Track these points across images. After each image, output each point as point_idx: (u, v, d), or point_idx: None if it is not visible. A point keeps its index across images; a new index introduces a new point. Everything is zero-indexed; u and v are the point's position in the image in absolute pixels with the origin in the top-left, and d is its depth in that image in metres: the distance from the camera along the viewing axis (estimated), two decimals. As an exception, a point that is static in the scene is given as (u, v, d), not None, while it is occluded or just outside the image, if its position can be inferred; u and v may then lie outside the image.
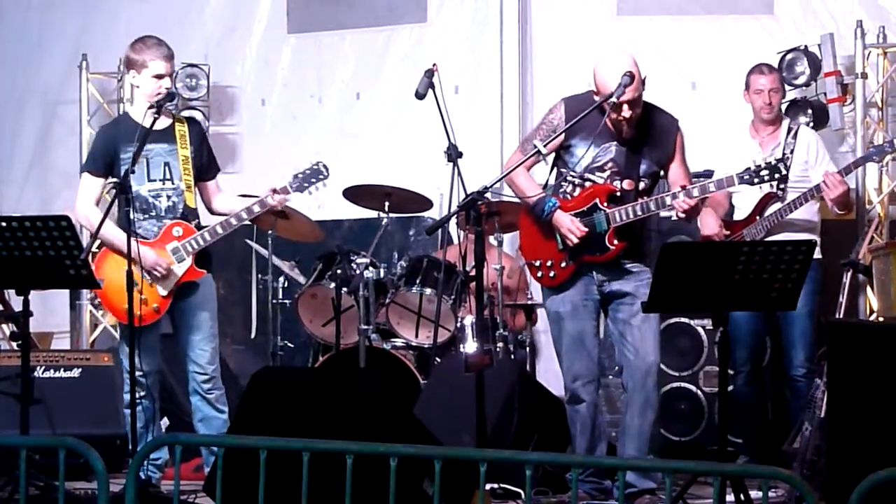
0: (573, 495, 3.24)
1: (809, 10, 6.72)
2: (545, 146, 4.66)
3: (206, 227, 5.01)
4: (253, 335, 6.69)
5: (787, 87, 6.18)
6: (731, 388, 5.62)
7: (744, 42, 6.73)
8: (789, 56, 6.42)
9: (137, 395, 4.90)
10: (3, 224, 4.50)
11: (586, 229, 4.77)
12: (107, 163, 4.97)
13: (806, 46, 6.42)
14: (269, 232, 5.97)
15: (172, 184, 4.98)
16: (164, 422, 5.68)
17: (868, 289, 6.11)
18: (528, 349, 6.23)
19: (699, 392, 6.12)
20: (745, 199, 5.64)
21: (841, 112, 6.39)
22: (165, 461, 5.05)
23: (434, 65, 4.89)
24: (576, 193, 4.85)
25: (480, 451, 3.50)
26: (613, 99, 4.59)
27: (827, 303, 5.51)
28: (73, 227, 4.51)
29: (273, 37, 7.46)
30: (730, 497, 4.06)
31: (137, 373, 4.88)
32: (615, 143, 4.78)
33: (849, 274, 5.32)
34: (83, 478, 4.92)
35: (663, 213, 5.01)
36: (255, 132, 7.47)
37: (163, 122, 5.00)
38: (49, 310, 6.99)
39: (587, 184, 4.83)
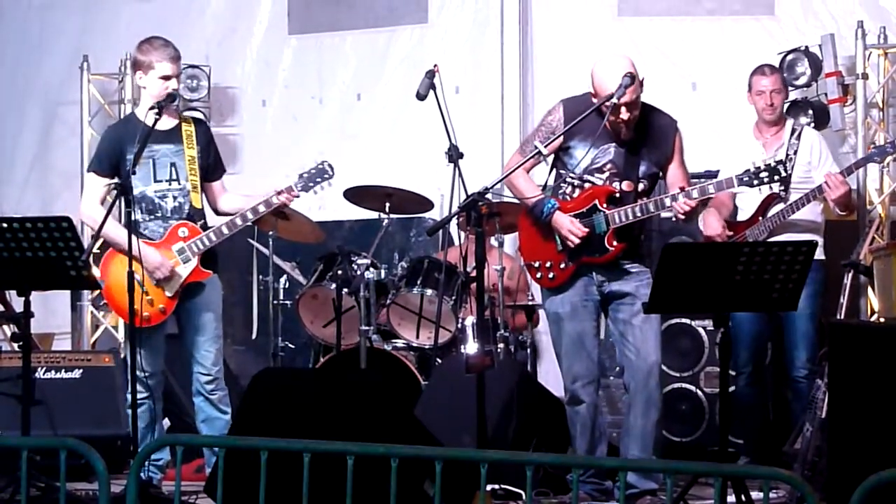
0: (574, 496, 3.24)
1: (810, 11, 6.71)
2: (545, 147, 4.66)
3: (212, 227, 5.01)
4: (254, 336, 6.69)
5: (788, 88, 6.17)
6: (732, 388, 5.62)
7: (744, 43, 6.73)
8: (790, 57, 6.42)
9: (141, 396, 4.91)
10: (4, 225, 4.51)
11: (587, 230, 4.77)
12: (112, 163, 4.96)
13: (807, 47, 6.42)
14: (270, 233, 5.97)
15: (179, 184, 4.98)
16: (165, 422, 5.68)
17: (869, 290, 6.11)
18: (528, 350, 6.23)
19: (700, 393, 6.12)
20: (748, 200, 5.64)
21: (842, 113, 6.39)
22: (167, 462, 5.05)
23: (435, 66, 4.89)
24: (575, 195, 4.85)
25: (481, 452, 3.50)
26: (613, 100, 4.59)
27: (828, 304, 5.50)
28: (74, 228, 4.51)
29: (274, 38, 7.46)
30: (731, 498, 4.06)
31: (143, 374, 4.90)
32: (614, 144, 4.78)
33: (850, 275, 5.32)
34: (84, 479, 4.91)
35: (664, 214, 5.01)
36: (255, 133, 7.47)
37: (169, 123, 5.01)
38: (50, 311, 6.99)
39: (586, 185, 4.83)
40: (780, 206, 5.57)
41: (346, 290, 5.89)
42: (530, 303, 6.30)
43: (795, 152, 5.62)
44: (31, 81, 7.68)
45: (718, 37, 6.85)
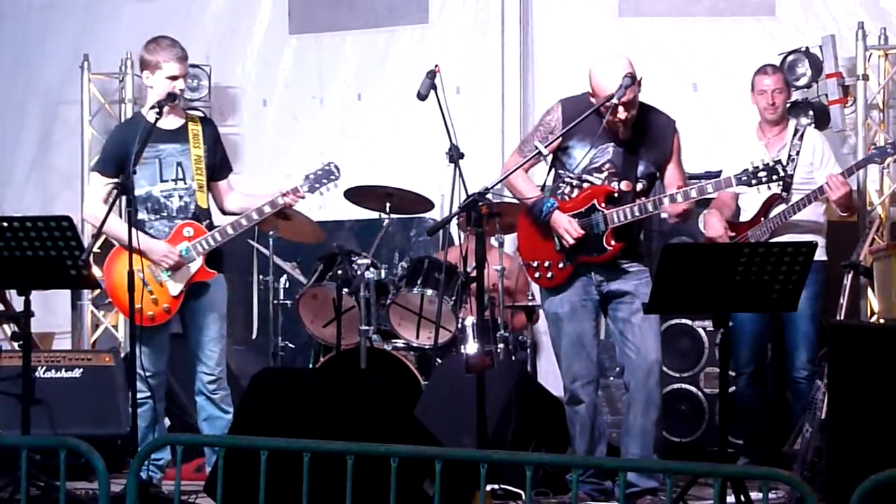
0: (573, 496, 3.24)
1: (811, 12, 6.71)
2: (545, 147, 4.66)
3: (217, 227, 5.02)
4: (254, 335, 6.69)
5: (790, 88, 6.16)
6: (733, 389, 5.62)
7: (745, 43, 6.73)
8: (790, 57, 6.42)
9: (143, 396, 4.91)
10: (5, 224, 4.51)
11: (583, 231, 4.77)
12: (117, 163, 4.95)
13: (807, 48, 6.42)
14: (271, 233, 5.97)
15: (185, 184, 4.98)
16: (166, 422, 5.68)
17: (869, 291, 6.11)
18: (528, 350, 6.23)
19: (700, 393, 6.12)
20: (750, 201, 5.64)
21: (842, 113, 6.39)
22: (167, 462, 5.05)
23: (436, 66, 4.90)
24: (574, 195, 4.86)
25: (481, 452, 3.50)
26: (614, 100, 4.60)
27: (829, 305, 5.50)
28: (74, 228, 4.52)
29: (274, 37, 7.47)
30: (730, 498, 4.06)
31: (146, 373, 4.90)
32: (612, 144, 4.79)
33: (850, 276, 5.32)
34: (84, 478, 4.92)
35: (662, 214, 5.01)
36: (256, 133, 7.47)
37: (175, 122, 5.01)
38: (50, 310, 6.99)
39: (585, 185, 4.84)
40: (782, 206, 5.57)
41: (346, 290, 5.89)
42: (530, 303, 6.30)
43: (798, 153, 5.62)
44: (31, 81, 7.69)
45: (719, 37, 6.85)
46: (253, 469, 3.32)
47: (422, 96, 4.89)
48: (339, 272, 5.88)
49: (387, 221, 6.10)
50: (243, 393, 4.69)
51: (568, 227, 4.78)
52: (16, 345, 5.31)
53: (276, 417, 4.30)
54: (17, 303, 4.98)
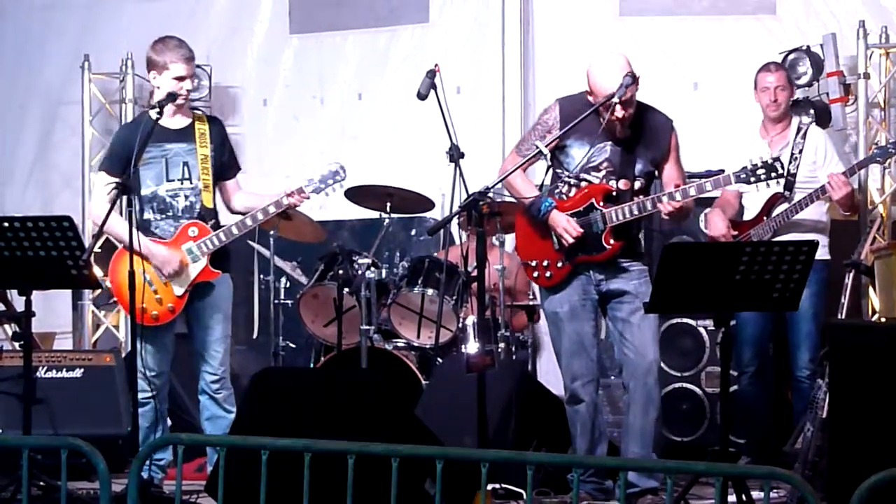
0: (574, 495, 3.24)
1: (812, 11, 6.71)
2: (546, 146, 4.66)
3: (223, 226, 5.01)
4: (255, 335, 6.69)
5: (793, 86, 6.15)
6: (735, 388, 5.62)
7: (746, 42, 6.73)
8: (791, 56, 6.42)
9: (146, 395, 4.91)
10: (6, 224, 4.51)
11: (581, 230, 4.77)
12: (124, 162, 4.93)
13: (808, 46, 6.42)
14: (272, 232, 5.97)
15: (191, 183, 4.98)
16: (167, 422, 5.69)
17: (870, 289, 6.10)
18: (529, 349, 6.23)
19: (701, 392, 6.11)
20: (753, 200, 5.63)
21: (843, 112, 6.38)
22: (169, 462, 5.04)
23: (436, 65, 4.89)
24: (572, 194, 4.85)
25: (482, 452, 3.50)
26: (615, 98, 4.59)
27: (831, 304, 5.50)
28: (75, 228, 4.52)
29: (275, 37, 7.46)
30: (731, 498, 4.06)
31: (149, 372, 4.91)
32: (610, 143, 4.78)
33: (851, 275, 5.32)
34: (85, 478, 4.93)
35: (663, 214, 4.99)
36: (256, 133, 7.47)
37: (182, 122, 5.01)
38: (51, 310, 6.98)
39: (583, 184, 4.83)
40: (785, 205, 5.57)
41: (346, 289, 5.89)
42: (531, 302, 6.30)
43: (801, 151, 5.61)
44: (32, 81, 7.69)
45: (720, 36, 6.85)
46: (254, 469, 3.32)
47: (422, 96, 4.88)
48: (340, 272, 5.88)
49: (387, 221, 6.10)
50: (244, 392, 4.69)
51: (567, 226, 4.77)
52: (17, 345, 5.30)
53: (276, 417, 4.30)
54: (18, 303, 4.98)
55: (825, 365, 4.72)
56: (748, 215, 5.70)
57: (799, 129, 5.70)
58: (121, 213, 5.13)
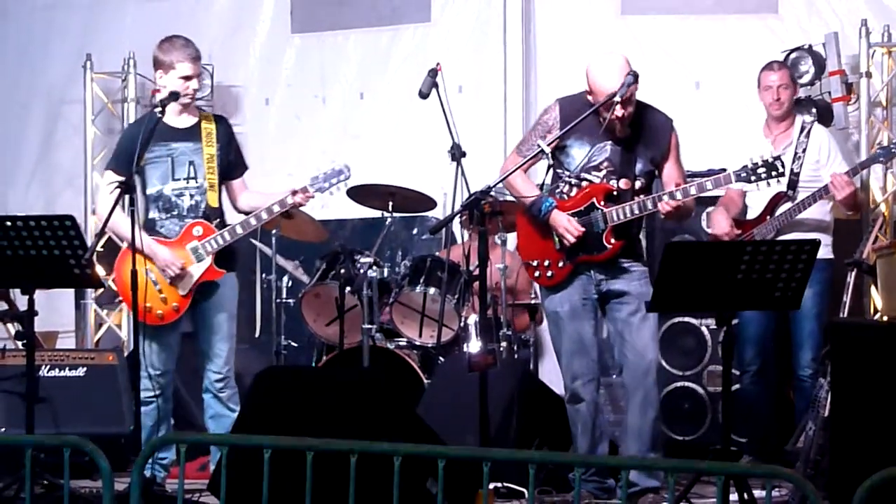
0: (576, 494, 3.24)
1: (814, 10, 6.71)
2: (547, 146, 4.66)
3: (228, 226, 5.02)
4: (257, 334, 6.70)
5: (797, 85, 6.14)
6: (737, 387, 5.62)
7: (748, 41, 6.73)
8: (794, 55, 6.41)
9: (150, 394, 4.92)
10: (9, 223, 4.52)
11: (583, 229, 4.77)
12: (130, 161, 4.95)
13: (810, 45, 6.41)
14: (274, 231, 5.98)
15: (196, 182, 4.98)
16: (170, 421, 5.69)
17: (872, 288, 6.10)
18: (531, 349, 6.23)
19: (703, 391, 6.12)
20: (756, 199, 5.63)
21: (845, 111, 6.38)
22: (171, 461, 5.05)
23: (438, 64, 4.90)
24: (572, 193, 4.86)
25: (484, 451, 3.50)
26: (617, 98, 4.59)
27: (834, 303, 5.50)
28: (77, 227, 4.53)
29: (277, 36, 7.47)
30: (733, 496, 4.06)
31: (153, 371, 4.91)
32: (610, 142, 4.78)
33: (853, 274, 5.32)
34: (88, 476, 4.94)
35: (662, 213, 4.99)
36: (258, 132, 7.47)
37: (188, 121, 5.02)
38: (54, 309, 6.99)
39: (583, 183, 4.84)
40: (788, 204, 5.56)
41: (348, 288, 5.89)
42: (533, 301, 6.30)
43: (804, 150, 5.61)
44: (35, 80, 7.70)
45: (722, 35, 6.84)
46: (256, 468, 3.33)
47: (424, 95, 4.89)
48: (342, 271, 5.88)
49: (389, 220, 6.10)
50: (247, 391, 4.70)
51: (568, 225, 4.78)
52: (20, 344, 5.32)
53: (279, 416, 4.30)
54: (21, 302, 4.99)
55: (827, 364, 4.72)
56: (751, 214, 5.70)
57: (803, 128, 5.69)
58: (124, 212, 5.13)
